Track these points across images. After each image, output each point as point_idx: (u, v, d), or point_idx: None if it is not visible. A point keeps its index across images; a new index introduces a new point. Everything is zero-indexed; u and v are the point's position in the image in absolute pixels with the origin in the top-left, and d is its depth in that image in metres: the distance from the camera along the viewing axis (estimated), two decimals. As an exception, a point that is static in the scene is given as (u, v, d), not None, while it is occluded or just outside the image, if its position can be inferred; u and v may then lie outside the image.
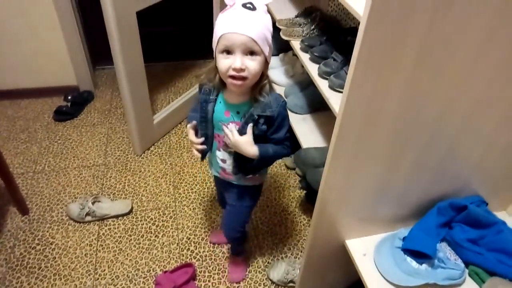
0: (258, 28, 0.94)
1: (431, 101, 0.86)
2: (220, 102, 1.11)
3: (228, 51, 0.96)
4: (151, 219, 1.80)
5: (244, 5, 0.94)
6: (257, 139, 1.09)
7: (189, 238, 1.73)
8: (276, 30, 2.15)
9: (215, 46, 0.99)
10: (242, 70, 0.96)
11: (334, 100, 1.33)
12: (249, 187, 1.30)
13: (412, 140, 0.93)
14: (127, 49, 1.77)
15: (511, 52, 0.82)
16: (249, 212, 1.40)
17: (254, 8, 0.94)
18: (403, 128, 0.90)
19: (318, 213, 1.05)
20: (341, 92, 1.34)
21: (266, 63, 1.02)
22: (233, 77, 0.98)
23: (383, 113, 0.85)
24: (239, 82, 0.99)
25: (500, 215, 1.20)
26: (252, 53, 0.96)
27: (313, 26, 1.67)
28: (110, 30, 1.68)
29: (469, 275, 1.06)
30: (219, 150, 1.20)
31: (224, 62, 0.97)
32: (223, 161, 1.21)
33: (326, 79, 1.41)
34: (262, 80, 1.04)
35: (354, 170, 0.96)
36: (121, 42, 1.72)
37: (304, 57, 1.56)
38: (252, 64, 0.97)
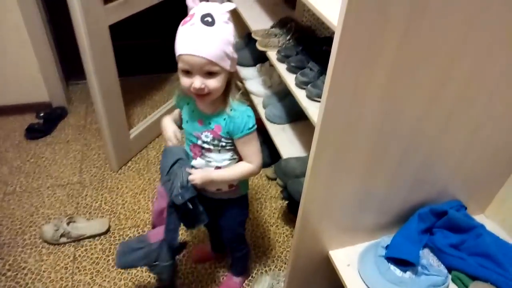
0: (216, 47, 0.92)
1: (408, 108, 0.87)
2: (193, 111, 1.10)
3: (187, 71, 0.95)
4: (130, 237, 1.74)
5: (202, 19, 0.91)
6: None
7: (170, 255, 1.67)
8: (252, 41, 2.16)
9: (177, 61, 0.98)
10: (202, 89, 0.95)
11: (312, 110, 1.33)
12: (229, 201, 1.25)
13: (391, 148, 0.93)
14: (100, 63, 1.73)
15: (484, 57, 0.84)
16: (240, 226, 1.37)
17: (212, 22, 0.91)
18: (381, 135, 0.90)
19: (300, 225, 1.04)
20: (319, 101, 1.34)
21: (230, 73, 1.01)
22: (195, 94, 0.98)
23: (361, 121, 0.85)
24: (202, 98, 0.99)
25: (479, 218, 1.22)
26: (211, 73, 0.95)
27: (289, 36, 1.68)
28: (82, 45, 1.64)
29: (452, 280, 1.06)
30: (195, 159, 1.16)
31: (185, 81, 0.97)
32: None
33: (304, 89, 1.41)
34: (230, 86, 1.03)
35: (335, 180, 0.95)
36: (94, 57, 1.67)
37: (281, 68, 1.56)
38: (212, 82, 0.96)
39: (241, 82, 1.10)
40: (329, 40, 1.68)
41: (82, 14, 1.54)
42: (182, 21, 0.95)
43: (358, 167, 0.94)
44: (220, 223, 1.33)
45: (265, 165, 2.15)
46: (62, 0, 1.52)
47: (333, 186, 0.96)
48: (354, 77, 0.77)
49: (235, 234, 1.38)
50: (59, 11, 2.04)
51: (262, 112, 1.88)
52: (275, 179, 2.08)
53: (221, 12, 0.94)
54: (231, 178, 1.13)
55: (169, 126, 1.14)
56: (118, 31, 1.81)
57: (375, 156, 0.94)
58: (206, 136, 1.08)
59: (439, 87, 0.86)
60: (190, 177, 1.05)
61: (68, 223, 1.70)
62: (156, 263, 1.20)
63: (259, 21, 1.89)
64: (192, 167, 1.12)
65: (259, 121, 2.08)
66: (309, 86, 1.39)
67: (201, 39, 0.91)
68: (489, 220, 1.23)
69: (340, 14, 0.69)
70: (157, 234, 1.19)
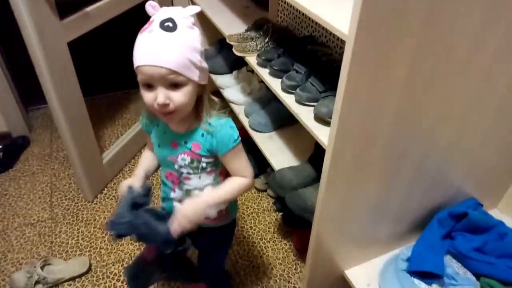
0: (179, 55, 0.79)
1: (424, 113, 0.81)
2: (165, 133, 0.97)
3: (148, 85, 0.82)
4: (115, 274, 1.57)
5: (162, 25, 0.78)
6: None
7: (162, 288, 1.52)
8: (225, 47, 2.03)
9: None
10: (166, 105, 0.82)
11: (305, 115, 1.22)
12: (216, 229, 1.11)
13: (408, 155, 0.87)
14: (61, 85, 1.56)
15: (495, 59, 0.80)
16: (224, 257, 1.24)
17: (174, 28, 0.79)
18: (398, 144, 0.83)
19: (314, 249, 0.93)
20: (310, 105, 1.24)
21: (200, 86, 0.87)
22: (161, 112, 0.85)
23: (378, 133, 0.78)
24: (168, 116, 0.86)
25: (493, 213, 1.16)
26: (176, 85, 0.82)
27: (267, 38, 1.57)
28: (39, 66, 1.46)
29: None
30: (174, 191, 1.02)
31: (147, 96, 0.83)
32: (181, 202, 1.02)
33: (292, 93, 1.31)
34: (202, 101, 0.90)
35: (350, 197, 0.86)
36: (53, 78, 1.50)
37: (263, 72, 1.44)
38: (178, 96, 0.82)
39: (216, 96, 0.97)
40: (310, 38, 1.58)
41: (35, 32, 1.37)
42: (141, 29, 0.82)
43: (375, 179, 0.86)
44: (203, 254, 1.19)
45: (252, 176, 2.03)
46: (12, 17, 1.34)
47: (348, 202, 0.87)
48: (368, 87, 0.70)
49: (217, 268, 1.24)
50: (8, 30, 1.84)
51: (245, 121, 1.76)
52: (265, 191, 1.97)
53: (183, 16, 0.81)
54: (228, 197, 0.97)
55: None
56: (79, 48, 1.64)
57: (391, 166, 0.87)
58: (183, 159, 0.94)
59: (455, 87, 0.81)
60: (172, 230, 0.88)
61: (42, 267, 1.51)
62: (164, 275, 1.16)
63: (232, 26, 1.77)
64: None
65: (241, 130, 1.96)
66: (297, 90, 1.28)
67: (160, 47, 0.78)
68: (504, 215, 1.17)
69: (351, 23, 0.61)
70: (150, 249, 1.10)
